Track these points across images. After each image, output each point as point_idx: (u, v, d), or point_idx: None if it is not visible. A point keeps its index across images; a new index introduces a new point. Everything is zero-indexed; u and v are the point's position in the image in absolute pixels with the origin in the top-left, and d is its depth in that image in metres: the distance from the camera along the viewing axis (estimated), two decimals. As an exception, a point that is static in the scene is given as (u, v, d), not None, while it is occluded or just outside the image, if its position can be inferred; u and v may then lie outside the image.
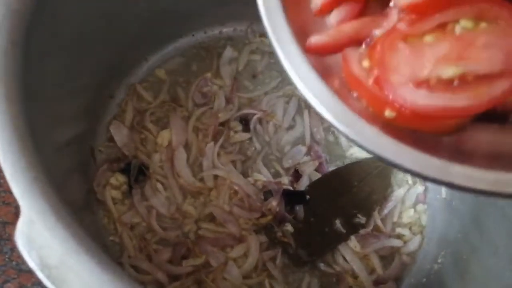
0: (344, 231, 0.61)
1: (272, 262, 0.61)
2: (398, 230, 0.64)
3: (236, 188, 0.63)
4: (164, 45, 0.70)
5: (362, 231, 0.62)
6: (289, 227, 0.61)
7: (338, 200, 0.63)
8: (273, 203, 0.62)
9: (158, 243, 0.61)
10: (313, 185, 0.63)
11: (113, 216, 0.61)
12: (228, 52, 0.70)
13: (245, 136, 0.66)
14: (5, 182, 0.38)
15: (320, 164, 0.65)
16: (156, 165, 0.63)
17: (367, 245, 0.61)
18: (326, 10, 0.35)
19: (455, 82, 0.29)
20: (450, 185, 0.29)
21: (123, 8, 0.59)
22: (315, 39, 0.34)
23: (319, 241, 0.61)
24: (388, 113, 0.31)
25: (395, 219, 0.64)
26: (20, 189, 0.38)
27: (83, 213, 0.58)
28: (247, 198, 0.62)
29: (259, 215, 0.62)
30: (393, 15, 0.33)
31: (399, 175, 0.66)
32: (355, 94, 0.33)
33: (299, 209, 0.62)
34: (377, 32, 0.33)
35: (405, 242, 0.63)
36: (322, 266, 0.62)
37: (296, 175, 0.64)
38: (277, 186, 0.63)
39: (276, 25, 0.32)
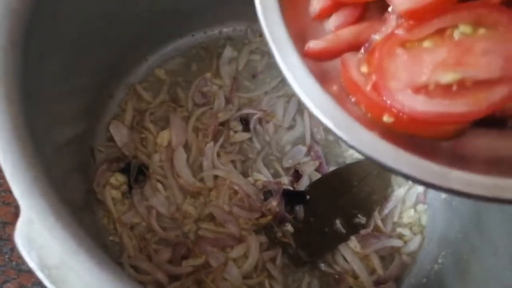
0: (344, 231, 0.61)
1: (272, 263, 0.61)
2: (399, 230, 0.64)
3: (236, 188, 0.63)
4: (163, 45, 0.70)
5: (362, 231, 0.62)
6: (289, 227, 0.61)
7: (338, 200, 0.63)
8: (273, 203, 0.61)
9: (158, 243, 0.61)
10: (313, 185, 0.63)
11: (113, 216, 0.61)
12: (228, 52, 0.70)
13: (245, 136, 0.66)
14: (5, 182, 0.38)
15: (320, 164, 0.65)
16: (156, 165, 0.63)
17: (368, 245, 0.61)
18: (324, 15, 0.35)
19: (454, 88, 0.29)
20: (449, 191, 0.28)
21: (123, 8, 0.59)
22: (313, 44, 0.34)
23: (319, 241, 0.61)
24: (387, 118, 0.31)
25: (395, 219, 0.64)
26: (20, 189, 0.38)
27: (83, 213, 0.58)
28: (247, 198, 0.62)
29: (259, 215, 0.62)
30: (392, 20, 0.33)
31: (400, 175, 0.66)
32: (353, 100, 0.33)
33: (299, 209, 0.62)
34: (376, 37, 0.33)
35: (405, 242, 0.63)
36: (322, 266, 0.62)
37: (296, 175, 0.64)
38: (277, 186, 0.63)
39: (274, 30, 0.32)
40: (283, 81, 0.68)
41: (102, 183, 0.62)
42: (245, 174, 0.64)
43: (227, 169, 0.63)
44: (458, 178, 0.28)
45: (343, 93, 0.33)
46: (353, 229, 0.62)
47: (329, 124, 0.30)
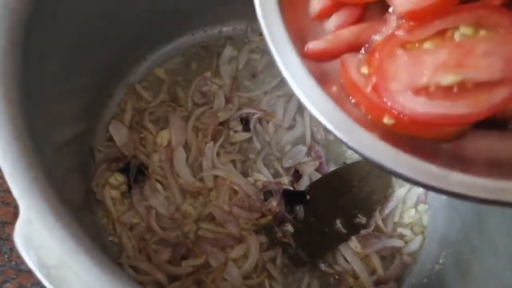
0: (344, 231, 0.61)
1: (272, 263, 0.61)
2: (399, 230, 0.64)
3: (236, 188, 0.62)
4: (163, 44, 0.69)
5: (363, 232, 0.62)
6: (289, 227, 0.61)
7: (338, 200, 0.62)
8: (273, 203, 0.61)
9: (158, 243, 0.61)
10: (314, 185, 0.63)
11: (112, 216, 0.61)
12: (228, 51, 0.70)
13: (245, 136, 0.66)
14: (4, 181, 0.38)
15: (321, 164, 0.65)
16: (155, 165, 0.63)
17: (368, 245, 0.61)
18: (324, 15, 0.35)
19: (454, 90, 0.29)
20: (449, 194, 0.28)
21: (123, 8, 0.59)
22: (313, 45, 0.33)
23: (320, 242, 0.61)
24: (387, 120, 0.31)
25: (396, 219, 0.64)
26: (19, 189, 0.37)
27: (82, 213, 0.58)
28: (247, 198, 0.62)
29: (259, 215, 0.62)
30: (392, 21, 0.32)
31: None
32: (353, 101, 0.32)
33: (299, 209, 0.62)
34: (376, 38, 0.33)
35: (406, 242, 0.63)
36: (322, 266, 0.61)
37: (296, 175, 0.64)
38: (277, 186, 0.63)
39: (273, 30, 0.32)
40: (283, 81, 0.68)
41: (101, 183, 0.62)
42: (245, 174, 0.64)
43: (227, 169, 0.63)
44: (458, 180, 0.28)
45: (343, 94, 0.33)
46: (354, 229, 0.62)
47: (329, 126, 0.30)
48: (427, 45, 0.30)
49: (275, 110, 0.67)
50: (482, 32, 0.30)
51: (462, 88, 0.29)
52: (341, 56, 0.34)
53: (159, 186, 0.63)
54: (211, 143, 0.64)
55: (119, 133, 0.64)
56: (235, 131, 0.66)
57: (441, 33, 0.30)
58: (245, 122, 0.66)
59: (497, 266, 0.49)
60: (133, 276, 0.58)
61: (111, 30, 0.59)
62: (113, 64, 0.65)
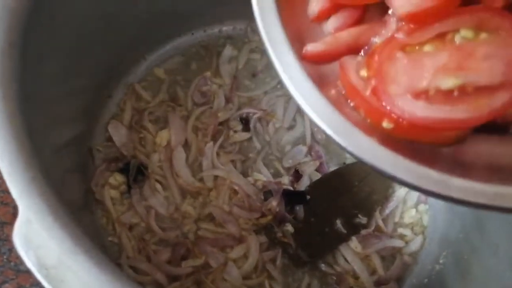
0: (344, 231, 0.61)
1: (272, 263, 0.60)
2: (400, 230, 0.64)
3: (236, 188, 0.62)
4: (163, 44, 0.69)
5: (363, 232, 0.62)
6: (289, 227, 0.61)
7: (338, 200, 0.62)
8: (273, 203, 0.61)
9: (157, 243, 0.60)
10: (314, 185, 0.63)
11: (111, 216, 0.61)
12: (228, 51, 0.70)
13: (245, 135, 0.66)
14: (4, 182, 0.38)
15: (321, 164, 0.65)
16: (155, 165, 0.63)
17: (369, 245, 0.61)
18: (323, 17, 0.35)
19: (455, 93, 0.29)
20: (449, 199, 0.28)
21: (122, 9, 0.59)
22: (311, 47, 0.33)
23: (320, 242, 0.61)
24: (386, 124, 0.30)
25: (396, 219, 0.64)
26: (18, 189, 0.37)
27: (81, 213, 0.58)
28: (247, 198, 0.62)
29: (259, 215, 0.61)
30: (392, 23, 0.32)
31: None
32: (352, 104, 0.32)
33: (299, 209, 0.62)
34: (376, 40, 0.33)
35: (406, 243, 0.63)
36: (322, 266, 0.61)
37: (297, 175, 0.64)
38: (277, 186, 0.62)
39: (271, 32, 0.32)
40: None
41: (101, 183, 0.62)
42: (245, 174, 0.64)
43: (227, 169, 0.63)
44: (458, 186, 0.28)
45: (341, 97, 0.32)
46: (354, 229, 0.62)
47: (327, 130, 0.30)
48: (427, 48, 0.30)
49: (275, 110, 0.67)
50: (483, 35, 0.29)
51: (463, 92, 0.29)
52: (340, 59, 0.33)
53: (158, 186, 0.62)
54: (211, 143, 0.64)
55: (119, 133, 0.64)
56: (235, 131, 0.66)
57: (441, 36, 0.30)
58: (245, 122, 0.66)
59: (497, 266, 0.49)
60: (132, 277, 0.58)
61: (110, 31, 0.59)
62: (112, 64, 0.64)
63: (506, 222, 0.49)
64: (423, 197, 0.65)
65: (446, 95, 0.29)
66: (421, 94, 0.29)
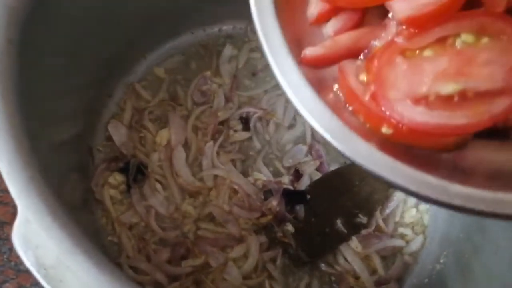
0: (345, 231, 0.61)
1: (272, 263, 0.60)
2: (400, 230, 0.63)
3: (236, 187, 0.62)
4: (163, 43, 0.69)
5: (363, 231, 0.61)
6: (289, 227, 0.61)
7: (339, 200, 0.62)
8: (273, 202, 0.61)
9: (157, 243, 0.60)
10: (314, 184, 0.63)
11: (111, 216, 0.61)
12: (228, 50, 0.70)
13: (245, 135, 0.66)
14: (3, 181, 0.38)
15: (321, 163, 0.65)
16: (155, 164, 0.63)
17: (369, 245, 0.61)
18: (322, 20, 0.35)
19: (455, 99, 0.29)
20: (448, 206, 0.28)
21: (122, 6, 0.58)
22: (310, 51, 0.33)
23: (320, 241, 0.61)
24: (385, 129, 0.30)
25: (397, 219, 0.64)
26: (17, 188, 0.37)
27: (81, 213, 0.58)
28: (247, 198, 0.62)
29: (259, 215, 0.61)
30: (392, 27, 0.32)
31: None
32: (351, 109, 0.32)
33: (300, 209, 0.62)
34: (376, 44, 0.32)
35: (407, 242, 0.63)
36: (323, 266, 0.61)
37: (297, 174, 0.64)
38: (277, 185, 0.62)
39: (269, 35, 0.31)
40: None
41: (100, 183, 0.62)
42: (245, 174, 0.64)
43: (227, 168, 0.63)
44: (457, 192, 0.27)
45: (340, 102, 0.32)
46: (354, 229, 0.61)
47: (325, 135, 0.29)
48: (427, 52, 0.30)
49: (275, 109, 0.67)
50: (484, 40, 0.29)
51: (463, 98, 0.29)
52: (339, 63, 0.33)
53: (158, 185, 0.62)
54: (211, 142, 0.64)
55: (119, 133, 0.64)
56: (235, 130, 0.66)
57: (441, 41, 0.30)
58: (245, 121, 0.66)
59: (498, 266, 0.49)
60: (132, 276, 0.58)
61: (110, 29, 0.59)
62: (112, 63, 0.64)
63: (507, 222, 0.49)
64: (423, 197, 0.65)
65: (446, 101, 0.29)
66: (421, 100, 0.29)
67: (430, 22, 0.30)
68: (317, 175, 0.64)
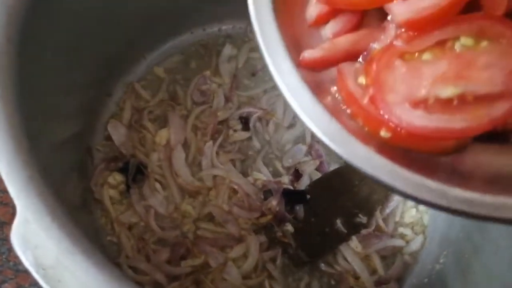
0: (345, 231, 0.61)
1: (272, 263, 0.60)
2: (400, 230, 0.63)
3: (236, 187, 0.62)
4: (162, 42, 0.69)
5: (363, 231, 0.61)
6: (289, 227, 0.61)
7: (339, 200, 0.62)
8: (273, 202, 0.61)
9: (157, 243, 0.60)
10: (314, 184, 0.63)
11: (110, 215, 0.61)
12: (227, 50, 0.69)
13: (245, 135, 0.66)
14: (2, 181, 0.38)
15: (321, 163, 0.65)
16: (154, 164, 0.63)
17: (369, 245, 0.61)
18: (321, 22, 0.34)
19: (454, 102, 0.28)
20: (446, 210, 0.28)
21: (121, 6, 0.58)
22: (308, 54, 0.33)
23: (320, 241, 0.61)
24: (384, 133, 0.30)
25: (397, 219, 0.64)
26: (16, 188, 0.37)
27: (80, 213, 0.58)
28: (246, 198, 0.62)
29: (258, 215, 0.61)
30: (391, 29, 0.32)
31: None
32: (349, 112, 0.32)
33: (299, 209, 0.62)
34: (375, 46, 0.32)
35: (407, 242, 0.63)
36: (322, 266, 0.61)
37: (297, 174, 0.64)
38: (277, 185, 0.62)
39: (268, 37, 0.31)
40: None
41: (100, 183, 0.61)
42: (244, 173, 0.63)
43: (227, 168, 0.63)
44: (456, 196, 0.27)
45: (338, 105, 0.32)
46: (354, 229, 0.61)
47: (323, 138, 0.29)
48: (426, 56, 0.30)
49: (275, 108, 0.67)
50: (484, 43, 0.29)
51: (462, 101, 0.28)
52: (338, 65, 0.33)
53: (158, 185, 0.62)
54: (211, 142, 0.64)
55: (118, 132, 0.64)
56: (235, 130, 0.66)
57: (441, 44, 0.29)
58: (244, 121, 0.66)
59: (498, 266, 0.49)
60: (132, 276, 0.58)
61: (109, 28, 0.59)
62: (112, 62, 0.64)
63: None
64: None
65: (445, 104, 0.29)
66: (420, 103, 0.29)
67: (429, 25, 0.29)
68: (317, 175, 0.64)
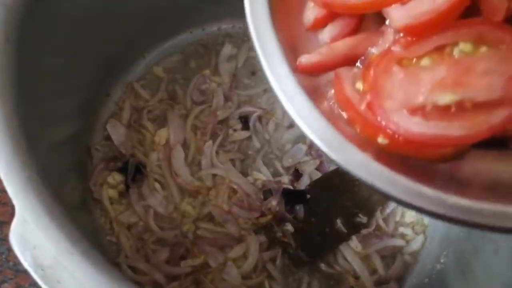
0: (345, 231, 0.61)
1: (272, 263, 0.60)
2: (401, 229, 0.63)
3: (235, 187, 0.62)
4: (161, 42, 0.69)
5: (364, 231, 0.61)
6: (289, 227, 0.61)
7: (339, 200, 0.62)
8: (273, 202, 0.61)
9: (156, 243, 0.60)
10: (314, 184, 0.63)
11: (110, 215, 0.61)
12: (227, 49, 0.69)
13: (245, 134, 0.65)
14: (1, 181, 0.38)
15: (321, 163, 0.64)
16: (153, 164, 0.63)
17: (369, 245, 0.61)
18: (319, 25, 0.34)
19: (452, 109, 0.28)
20: (443, 218, 0.27)
21: (120, 5, 0.58)
22: (305, 59, 0.32)
23: (320, 241, 0.61)
24: (381, 139, 0.29)
25: (397, 219, 0.63)
26: (14, 188, 0.37)
27: (79, 213, 0.57)
28: (246, 198, 0.62)
29: (258, 215, 0.61)
30: (389, 34, 0.31)
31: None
32: (346, 117, 0.31)
33: (299, 209, 0.62)
34: (373, 51, 0.32)
35: (407, 242, 0.63)
36: (322, 266, 0.61)
37: (297, 174, 0.64)
38: (277, 185, 0.62)
39: (264, 42, 0.31)
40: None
41: (99, 182, 0.61)
42: (244, 173, 0.63)
43: (226, 168, 0.63)
44: (454, 204, 0.27)
45: (336, 111, 0.31)
46: (354, 228, 0.61)
47: (320, 144, 0.29)
48: (424, 61, 0.29)
49: (275, 108, 0.67)
50: (483, 49, 0.28)
51: (460, 108, 0.28)
52: (336, 70, 0.32)
53: (157, 185, 0.62)
54: (210, 141, 0.64)
55: (117, 132, 0.64)
56: (235, 130, 0.65)
57: (439, 49, 0.29)
58: (244, 121, 0.66)
59: (498, 266, 0.49)
60: (131, 276, 0.58)
61: (108, 27, 0.59)
62: (111, 62, 0.64)
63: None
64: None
65: (443, 111, 0.28)
66: (418, 110, 0.28)
67: (427, 31, 0.29)
68: (317, 175, 0.64)
